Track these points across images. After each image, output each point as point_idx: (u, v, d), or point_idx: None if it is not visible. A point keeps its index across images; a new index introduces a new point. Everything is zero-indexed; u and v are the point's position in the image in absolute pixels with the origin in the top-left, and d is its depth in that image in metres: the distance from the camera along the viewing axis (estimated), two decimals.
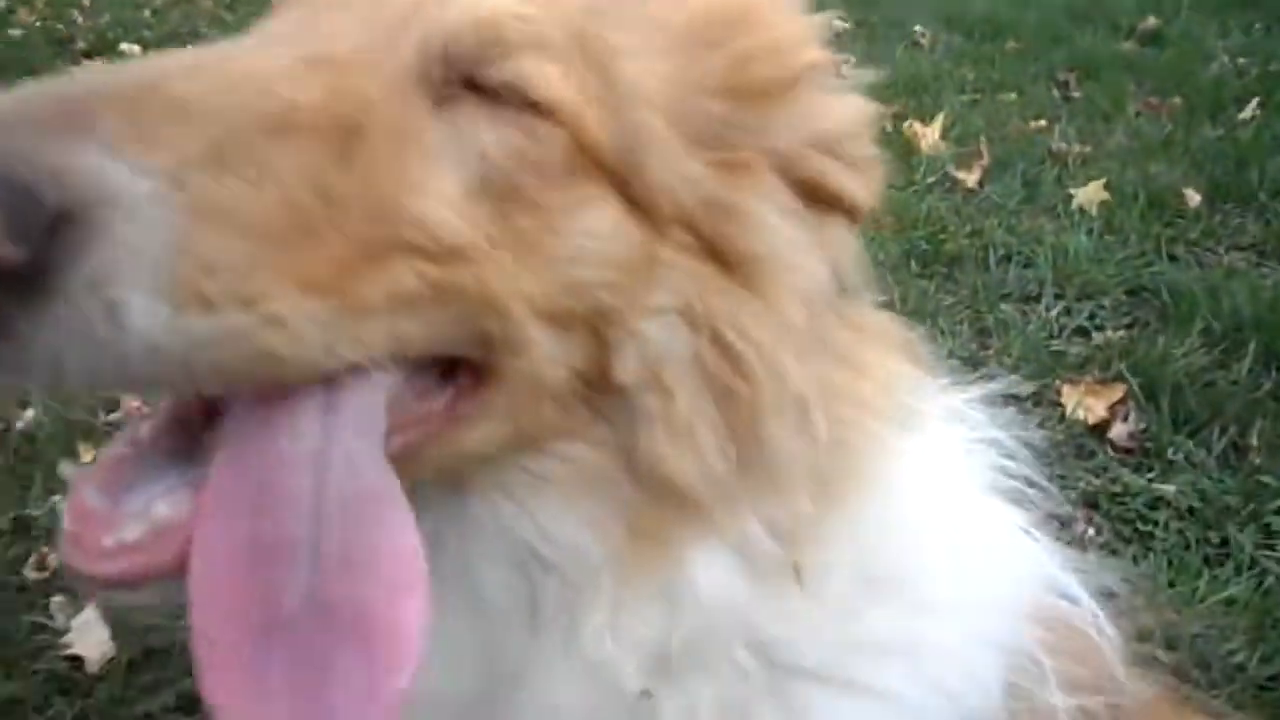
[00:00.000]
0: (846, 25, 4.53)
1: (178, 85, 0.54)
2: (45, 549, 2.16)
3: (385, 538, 0.58)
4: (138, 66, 0.58)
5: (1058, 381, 2.62)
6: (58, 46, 6.19)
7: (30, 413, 2.61)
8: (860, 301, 0.86)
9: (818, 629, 0.77)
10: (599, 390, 0.72)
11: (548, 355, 0.68)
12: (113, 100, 0.51)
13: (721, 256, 0.74)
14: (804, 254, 0.77)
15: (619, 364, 0.71)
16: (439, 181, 0.63)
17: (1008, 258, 3.27)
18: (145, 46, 6.15)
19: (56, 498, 2.34)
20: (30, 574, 2.10)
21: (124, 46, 6.11)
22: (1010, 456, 0.92)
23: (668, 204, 0.72)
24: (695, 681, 0.75)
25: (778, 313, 0.74)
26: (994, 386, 0.98)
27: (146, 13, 7.08)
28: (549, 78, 0.67)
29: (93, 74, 0.55)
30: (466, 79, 0.67)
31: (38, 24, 6.70)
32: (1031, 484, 0.93)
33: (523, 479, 0.73)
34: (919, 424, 0.85)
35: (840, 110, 0.81)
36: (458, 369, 0.68)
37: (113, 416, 2.60)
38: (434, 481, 0.71)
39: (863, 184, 0.81)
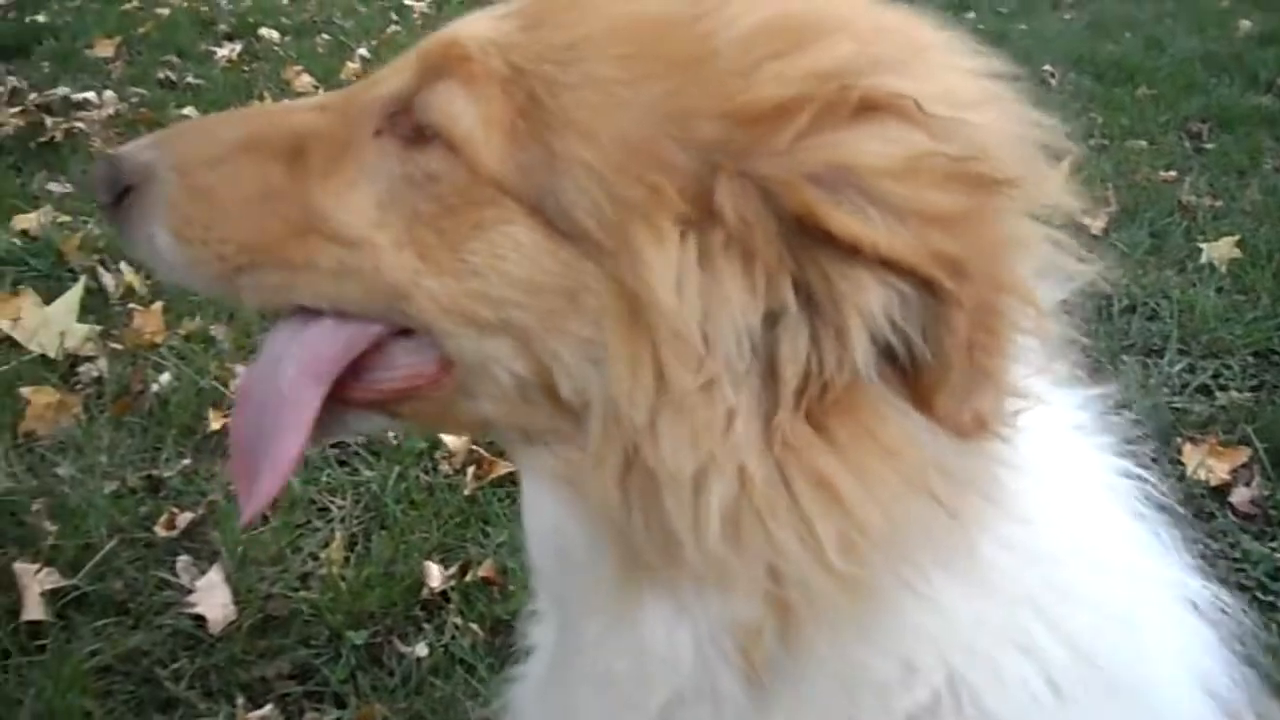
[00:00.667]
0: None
1: (220, 124, 0.93)
2: (174, 509, 2.26)
3: (277, 432, 0.83)
4: (230, 113, 0.96)
5: (1179, 440, 2.56)
6: (201, 27, 6.42)
7: (165, 377, 2.72)
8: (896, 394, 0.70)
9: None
10: (558, 402, 0.76)
11: (481, 354, 0.77)
12: (187, 132, 0.95)
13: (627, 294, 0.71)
14: (708, 307, 0.68)
15: (559, 383, 0.75)
16: (355, 193, 0.81)
17: (1131, 309, 3.21)
18: (283, 33, 6.37)
19: (185, 460, 2.45)
20: (160, 532, 2.19)
21: (263, 31, 6.34)
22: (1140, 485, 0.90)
23: (596, 228, 0.71)
24: None
25: (656, 369, 0.69)
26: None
27: (285, 0, 7.31)
28: (444, 109, 0.77)
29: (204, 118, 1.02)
30: (406, 110, 0.81)
31: (184, 5, 6.96)
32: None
33: (535, 466, 0.81)
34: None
35: (873, 147, 0.66)
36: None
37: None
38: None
39: (889, 231, 0.65)
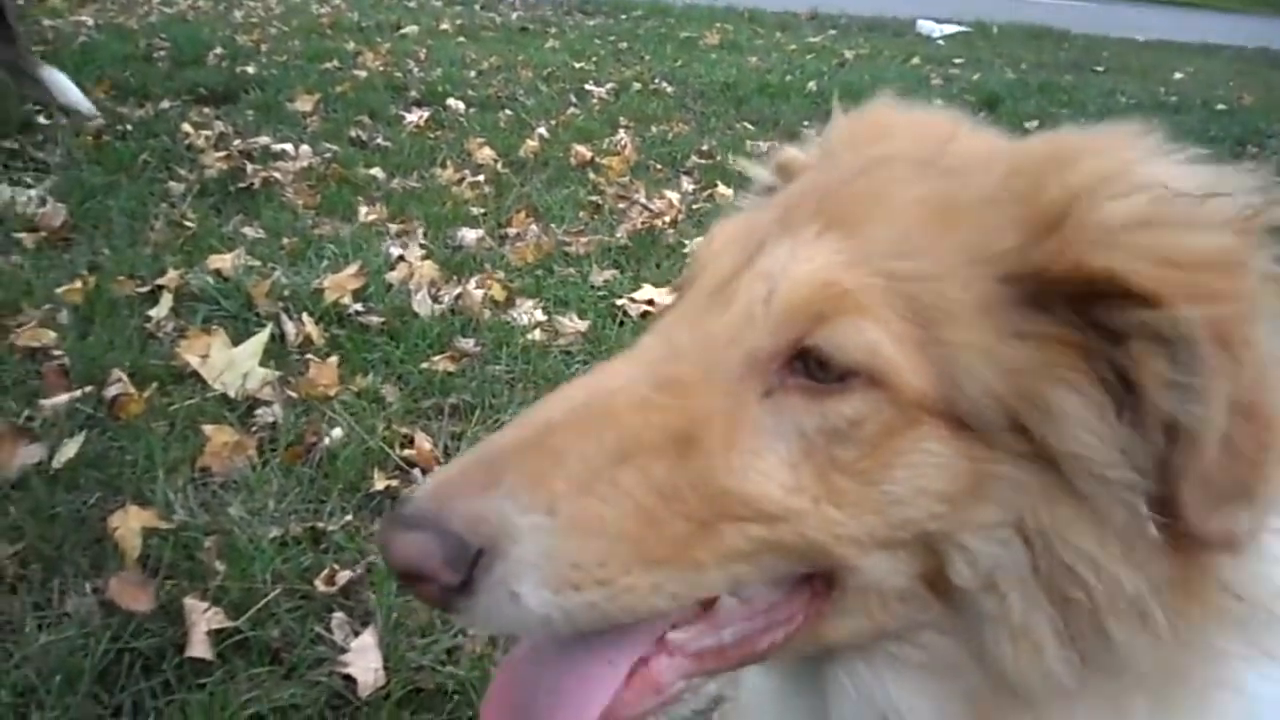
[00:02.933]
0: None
1: (556, 438, 0.75)
2: (335, 565, 2.33)
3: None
4: (531, 419, 0.77)
5: None
6: (393, 92, 6.80)
7: (337, 431, 2.83)
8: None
9: None
10: (942, 590, 0.78)
11: (881, 571, 0.78)
12: (512, 459, 0.74)
13: (1049, 462, 0.74)
14: (1113, 450, 0.73)
15: (953, 572, 0.77)
16: (763, 462, 0.76)
17: None
18: (468, 104, 6.68)
19: (348, 516, 2.53)
20: (319, 586, 2.26)
21: (450, 101, 6.66)
22: None
23: (992, 411, 0.75)
24: None
25: (1100, 518, 0.74)
26: None
27: (472, 74, 7.67)
28: (860, 344, 0.75)
29: (498, 435, 0.78)
30: (794, 355, 0.78)
31: (379, 69, 7.39)
32: None
33: (882, 657, 0.83)
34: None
35: (1125, 205, 0.74)
36: (812, 576, 0.80)
37: (406, 453, 2.78)
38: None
39: (1160, 272, 0.71)
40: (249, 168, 4.90)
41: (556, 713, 0.78)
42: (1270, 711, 0.81)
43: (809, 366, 0.77)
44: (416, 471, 2.71)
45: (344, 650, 2.09)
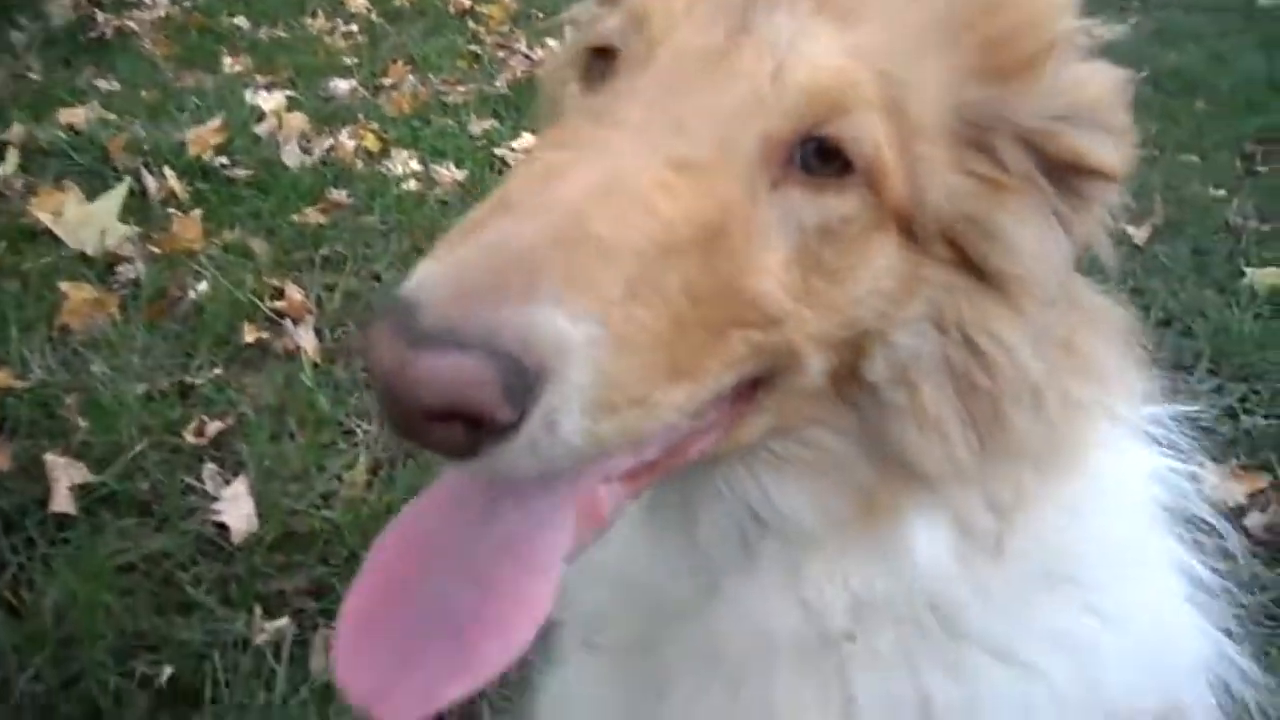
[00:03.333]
0: None
1: (594, 225, 0.62)
2: (204, 417, 2.28)
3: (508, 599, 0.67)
4: (548, 202, 0.64)
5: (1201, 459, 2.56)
6: None
7: (203, 285, 2.74)
8: (1084, 283, 0.89)
9: (998, 603, 0.84)
10: (849, 385, 0.79)
11: (815, 370, 0.77)
12: (548, 254, 0.60)
13: (976, 270, 0.78)
14: (1053, 264, 0.79)
15: (869, 368, 0.78)
16: (769, 259, 0.71)
17: (1166, 322, 3.20)
18: None
19: (217, 370, 2.47)
20: (189, 438, 2.22)
21: None
22: (1194, 495, 0.96)
23: (933, 223, 0.76)
24: (882, 630, 0.84)
25: (1024, 317, 0.78)
26: (1189, 409, 1.02)
27: None
28: (872, 139, 0.73)
29: (519, 221, 0.62)
30: (801, 143, 0.73)
31: None
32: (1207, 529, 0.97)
33: (764, 458, 0.82)
34: (1126, 430, 0.90)
35: (1094, 78, 0.80)
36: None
37: (276, 304, 2.71)
38: None
39: (1118, 151, 0.80)
40: (100, 16, 4.59)
41: (520, 571, 0.67)
42: (1130, 460, 0.90)
43: (807, 158, 0.73)
44: (288, 322, 2.65)
45: (215, 499, 2.07)
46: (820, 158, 0.73)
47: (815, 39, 0.73)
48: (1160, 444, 0.96)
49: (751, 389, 0.76)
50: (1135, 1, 7.66)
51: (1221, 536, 0.99)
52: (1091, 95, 0.79)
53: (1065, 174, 0.79)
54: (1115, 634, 0.87)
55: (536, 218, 0.62)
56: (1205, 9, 7.63)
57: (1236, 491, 2.48)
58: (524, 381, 0.56)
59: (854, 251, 0.74)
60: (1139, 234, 3.68)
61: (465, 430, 0.56)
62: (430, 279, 0.59)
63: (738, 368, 0.71)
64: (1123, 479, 0.91)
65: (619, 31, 0.78)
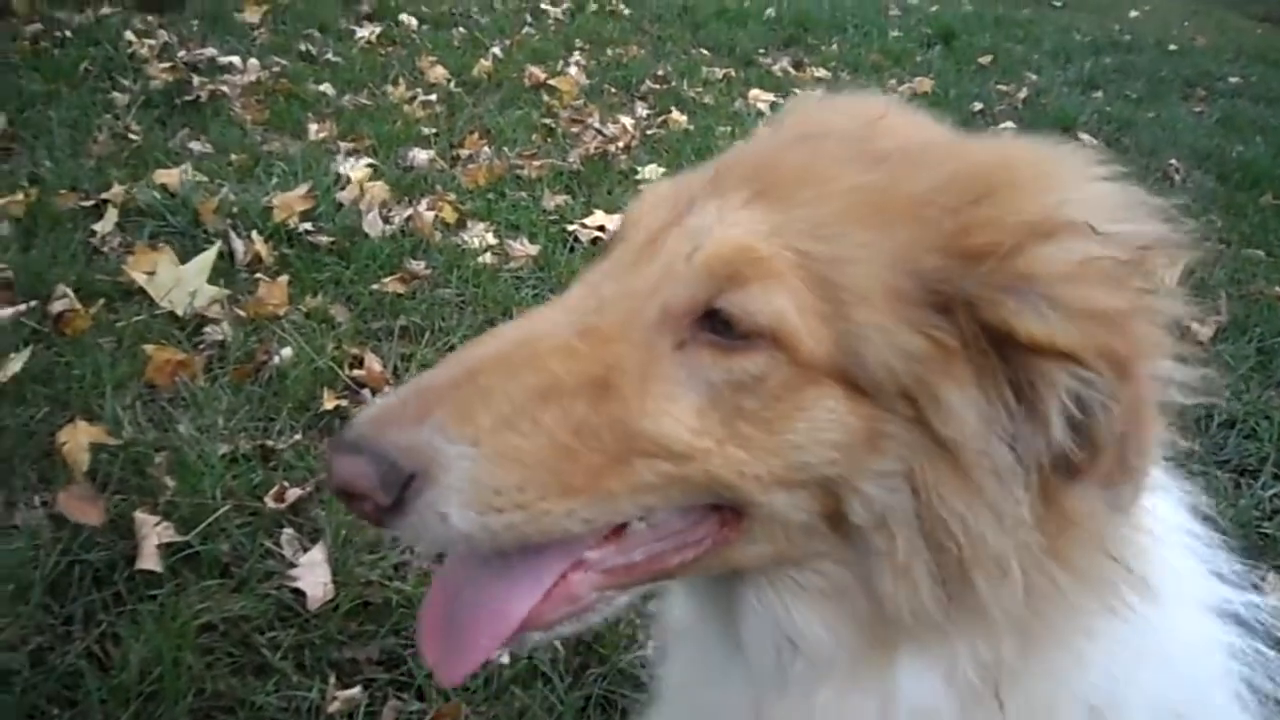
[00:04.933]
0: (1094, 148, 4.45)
1: (484, 377, 0.83)
2: (284, 482, 2.36)
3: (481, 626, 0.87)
4: (461, 359, 0.85)
5: (1263, 567, 2.54)
6: (344, 5, 6.63)
7: (286, 350, 2.84)
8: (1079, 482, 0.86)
9: None
10: (840, 526, 0.87)
11: (783, 506, 0.86)
12: (443, 393, 0.82)
13: (934, 433, 0.83)
14: (993, 439, 0.82)
15: (850, 511, 0.86)
16: (673, 407, 0.84)
17: (1230, 424, 3.19)
18: (421, 21, 6.55)
19: (298, 435, 2.55)
20: (269, 503, 2.30)
21: (402, 17, 6.52)
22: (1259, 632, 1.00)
23: (890, 382, 0.83)
24: None
25: (975, 486, 0.83)
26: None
27: None
28: (771, 309, 0.82)
29: (434, 370, 0.85)
30: (705, 315, 0.85)
31: None
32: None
33: (787, 583, 0.91)
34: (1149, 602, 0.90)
35: (1061, 254, 0.80)
36: (720, 506, 0.88)
37: (355, 373, 2.81)
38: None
39: (1068, 329, 0.79)
40: (195, 80, 4.80)
41: (480, 621, 0.86)
42: (1118, 652, 0.91)
43: (716, 325, 0.84)
44: (366, 392, 2.74)
45: (293, 565, 2.14)
46: (725, 324, 0.84)
47: (734, 225, 0.85)
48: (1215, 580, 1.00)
49: (736, 516, 0.87)
50: (1201, 90, 7.70)
51: None
52: (1048, 270, 0.79)
53: (1013, 348, 0.81)
54: None
55: (449, 369, 0.84)
56: (1273, 100, 7.63)
57: None
58: (396, 477, 0.77)
59: (784, 401, 0.83)
60: (1203, 331, 3.68)
61: (373, 507, 0.78)
62: (369, 408, 0.83)
63: (660, 492, 0.84)
64: (1166, 649, 0.93)
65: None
